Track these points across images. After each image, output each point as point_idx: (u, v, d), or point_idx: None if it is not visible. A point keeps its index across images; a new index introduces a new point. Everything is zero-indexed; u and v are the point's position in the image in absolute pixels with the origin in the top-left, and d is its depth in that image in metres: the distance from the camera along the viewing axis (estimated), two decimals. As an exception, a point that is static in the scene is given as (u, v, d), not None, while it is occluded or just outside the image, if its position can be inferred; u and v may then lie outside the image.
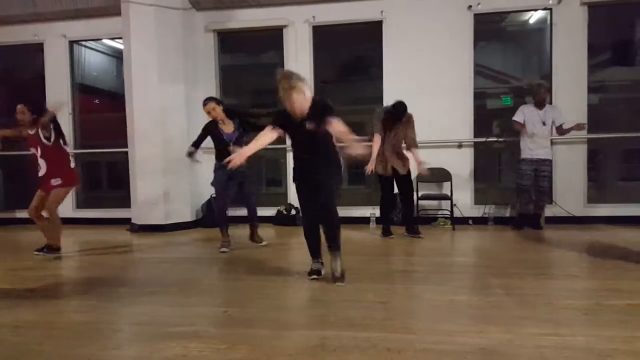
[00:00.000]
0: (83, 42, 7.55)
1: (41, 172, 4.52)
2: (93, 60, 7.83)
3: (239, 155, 3.21)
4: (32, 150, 4.56)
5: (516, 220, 5.79)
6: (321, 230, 3.46)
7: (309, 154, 3.36)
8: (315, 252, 3.55)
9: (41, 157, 4.50)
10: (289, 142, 6.60)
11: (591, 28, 6.09)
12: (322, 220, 3.40)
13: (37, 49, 7.44)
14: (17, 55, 7.73)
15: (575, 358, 1.96)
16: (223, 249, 4.65)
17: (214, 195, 6.77)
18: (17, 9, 7.13)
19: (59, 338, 2.36)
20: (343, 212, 6.50)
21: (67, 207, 7.35)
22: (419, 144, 6.30)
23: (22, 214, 7.44)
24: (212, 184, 4.82)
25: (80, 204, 7.50)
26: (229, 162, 3.17)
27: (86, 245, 5.40)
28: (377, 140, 5.21)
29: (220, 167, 4.62)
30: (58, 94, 7.35)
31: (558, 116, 5.65)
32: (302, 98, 3.18)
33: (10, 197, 7.75)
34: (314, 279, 3.39)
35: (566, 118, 5.65)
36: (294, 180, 3.49)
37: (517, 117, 5.62)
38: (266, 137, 3.31)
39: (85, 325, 2.54)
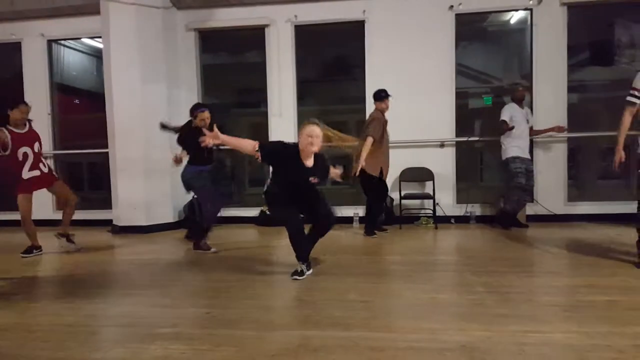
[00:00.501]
0: (62, 41, 7.41)
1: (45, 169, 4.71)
2: (72, 59, 7.70)
3: (214, 135, 3.27)
4: (24, 150, 4.55)
5: (505, 219, 5.76)
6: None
7: (299, 192, 3.52)
8: (308, 255, 3.61)
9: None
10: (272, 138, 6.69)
11: (571, 28, 6.20)
12: (325, 228, 3.65)
13: (15, 48, 7.29)
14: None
15: (555, 354, 1.99)
16: (214, 249, 4.64)
17: (196, 196, 6.72)
18: (-8, 6, 6.98)
19: (39, 341, 2.33)
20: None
21: (47, 209, 7.23)
22: (402, 144, 6.39)
23: (5, 216, 7.36)
24: (198, 189, 4.70)
25: (59, 205, 7.35)
26: (202, 141, 3.30)
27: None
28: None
29: (200, 171, 4.59)
30: (36, 94, 7.21)
31: (530, 117, 5.85)
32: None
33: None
34: (296, 279, 3.39)
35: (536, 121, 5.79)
36: (275, 202, 3.59)
37: (505, 116, 5.65)
38: (247, 148, 3.39)
39: (65, 328, 2.50)
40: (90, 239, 5.81)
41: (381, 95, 5.40)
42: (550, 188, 6.28)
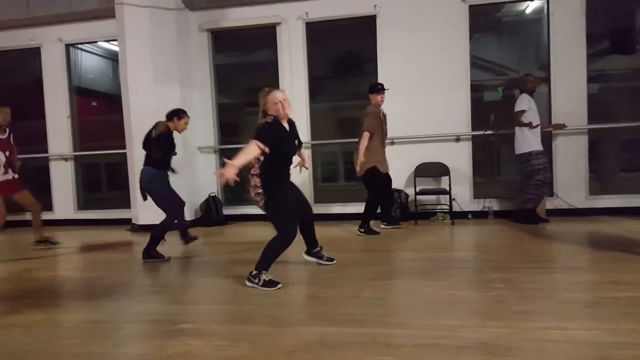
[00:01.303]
0: (79, 45, 7.53)
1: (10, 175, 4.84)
2: (89, 62, 7.82)
3: (231, 167, 2.87)
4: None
5: (526, 215, 5.62)
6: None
7: (290, 165, 3.47)
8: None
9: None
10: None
11: (589, 16, 6.04)
12: (311, 219, 3.71)
13: (34, 53, 7.45)
14: (15, 59, 7.73)
15: (578, 351, 1.94)
16: (167, 257, 4.43)
17: (212, 194, 6.79)
18: (12, 13, 7.14)
19: (64, 337, 2.40)
20: (337, 209, 6.60)
21: (69, 209, 7.39)
22: (416, 138, 6.34)
23: (21, 217, 7.53)
24: (161, 193, 4.47)
25: (81, 205, 7.51)
26: (221, 174, 2.87)
27: (88, 246, 5.41)
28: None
29: (163, 175, 4.52)
30: (56, 98, 7.37)
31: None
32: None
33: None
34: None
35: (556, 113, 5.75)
36: (278, 187, 3.35)
37: (524, 106, 5.51)
38: (254, 153, 3.12)
39: (89, 324, 2.57)
40: (110, 237, 5.90)
41: (377, 88, 5.33)
42: (570, 181, 6.15)
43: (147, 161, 4.42)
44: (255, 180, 3.41)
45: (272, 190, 3.32)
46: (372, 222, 5.47)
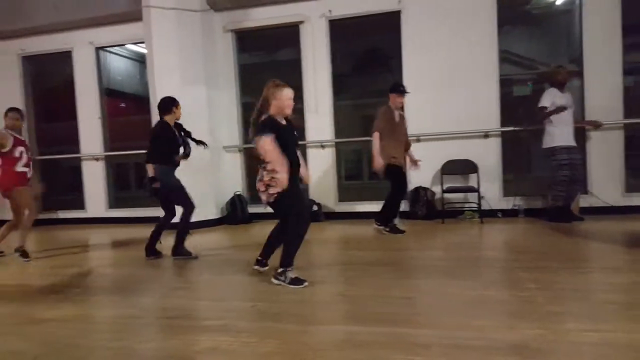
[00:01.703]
0: (108, 48, 7.70)
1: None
2: (117, 65, 8.00)
3: (282, 180, 3.01)
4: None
5: (558, 214, 5.45)
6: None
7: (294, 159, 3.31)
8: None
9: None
10: (311, 137, 6.72)
11: (625, 6, 5.79)
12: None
13: (66, 56, 7.66)
14: (48, 63, 7.98)
15: (616, 354, 1.87)
16: (195, 254, 4.41)
17: (237, 193, 6.85)
18: (46, 19, 7.37)
19: (97, 332, 2.48)
20: (361, 207, 6.54)
21: (100, 207, 7.58)
22: (443, 135, 6.24)
23: (54, 215, 7.77)
24: (179, 190, 4.39)
25: (112, 204, 7.69)
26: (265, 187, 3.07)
27: (118, 244, 5.54)
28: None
29: (172, 171, 4.43)
30: (87, 99, 7.56)
31: (572, 102, 5.49)
32: None
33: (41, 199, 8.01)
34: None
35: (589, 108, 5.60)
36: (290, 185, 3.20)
37: (546, 102, 5.38)
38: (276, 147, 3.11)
39: (120, 320, 2.64)
40: (139, 235, 6.01)
41: (398, 89, 5.20)
42: (605, 178, 5.93)
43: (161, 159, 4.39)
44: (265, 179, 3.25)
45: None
46: (396, 220, 5.41)
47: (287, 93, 3.29)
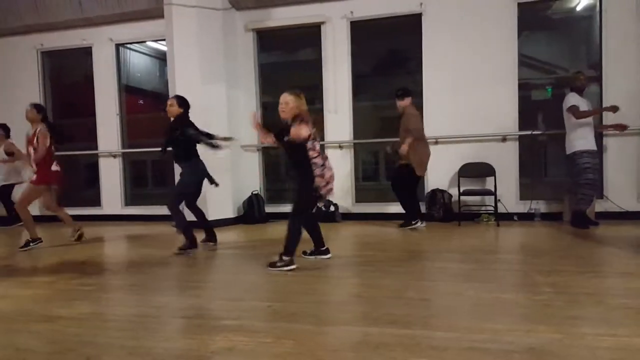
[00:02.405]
0: (128, 45, 7.80)
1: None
2: (137, 61, 8.09)
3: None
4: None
5: (579, 219, 5.39)
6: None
7: None
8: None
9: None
10: (329, 137, 6.76)
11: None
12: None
13: (86, 52, 7.77)
14: (68, 58, 8.10)
15: (632, 359, 1.87)
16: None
17: (255, 192, 6.91)
18: (66, 14, 7.47)
19: (113, 330, 2.47)
20: (378, 208, 6.56)
21: (116, 204, 7.68)
22: (461, 138, 6.24)
23: (70, 211, 7.85)
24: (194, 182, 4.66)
25: (128, 201, 7.78)
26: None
27: (134, 241, 5.62)
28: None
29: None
30: (106, 96, 7.66)
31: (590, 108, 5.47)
32: None
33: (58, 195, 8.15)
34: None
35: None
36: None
37: (574, 102, 5.31)
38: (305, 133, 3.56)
39: (136, 318, 2.65)
40: (155, 233, 6.09)
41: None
42: (621, 183, 5.89)
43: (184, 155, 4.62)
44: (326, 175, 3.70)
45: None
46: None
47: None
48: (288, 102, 3.66)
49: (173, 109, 4.61)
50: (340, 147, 6.71)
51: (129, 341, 2.27)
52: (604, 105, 5.74)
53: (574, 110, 5.29)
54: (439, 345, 2.07)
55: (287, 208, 6.96)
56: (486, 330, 2.23)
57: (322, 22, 6.75)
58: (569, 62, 6.30)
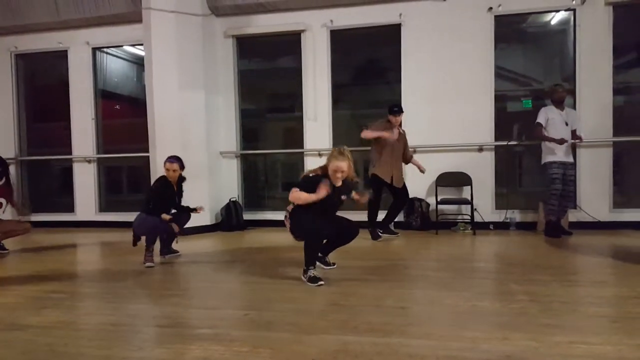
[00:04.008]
0: (105, 49, 7.68)
1: None
2: (114, 66, 7.96)
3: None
4: None
5: (551, 228, 5.52)
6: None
7: (326, 211, 3.68)
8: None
9: None
10: (309, 145, 6.76)
11: (616, 28, 5.96)
12: (351, 236, 3.81)
13: (62, 56, 7.61)
14: (43, 62, 7.93)
15: (605, 367, 1.90)
16: (149, 264, 4.35)
17: (232, 199, 6.84)
18: (42, 17, 7.31)
19: (85, 339, 2.40)
20: (356, 217, 6.55)
21: (90, 210, 7.51)
22: (439, 148, 6.32)
23: (42, 217, 7.67)
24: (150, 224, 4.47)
25: (102, 207, 7.62)
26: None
27: (108, 248, 5.49)
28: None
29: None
30: (81, 100, 7.51)
31: (575, 120, 5.63)
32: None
33: (30, 201, 7.95)
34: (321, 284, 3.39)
35: (582, 125, 5.70)
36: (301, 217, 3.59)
37: (540, 119, 5.52)
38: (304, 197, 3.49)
39: (109, 327, 2.58)
40: (130, 240, 5.95)
41: (393, 110, 5.51)
42: (594, 194, 6.04)
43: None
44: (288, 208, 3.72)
45: (293, 219, 3.65)
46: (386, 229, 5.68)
47: (335, 166, 3.55)
48: (345, 171, 3.57)
49: (176, 174, 4.55)
50: (320, 154, 6.71)
51: (102, 351, 2.21)
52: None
53: (536, 129, 5.55)
54: (417, 354, 2.06)
55: (265, 215, 6.98)
56: (463, 338, 2.24)
57: (302, 30, 6.77)
58: (543, 75, 6.46)
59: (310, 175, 3.61)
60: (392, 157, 5.51)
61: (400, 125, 5.60)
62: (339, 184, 3.60)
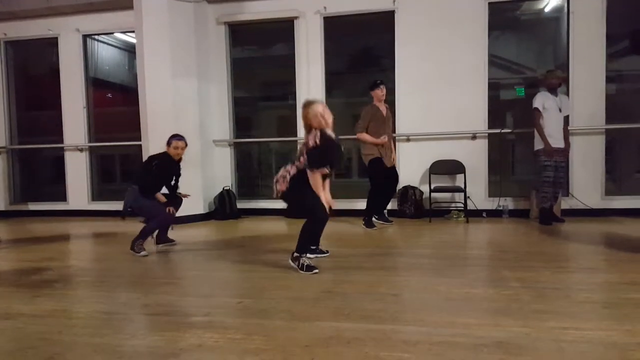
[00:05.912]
0: (96, 36, 7.58)
1: None
2: (105, 54, 7.87)
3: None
4: None
5: (544, 215, 5.55)
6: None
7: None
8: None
9: None
10: (302, 133, 6.72)
11: (609, 16, 5.95)
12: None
13: (52, 43, 7.51)
14: (33, 49, 7.83)
15: (596, 352, 1.92)
16: (143, 252, 4.32)
17: (226, 188, 6.83)
18: (31, 3, 7.21)
19: (78, 327, 2.40)
20: (350, 204, 6.58)
21: (83, 199, 7.46)
22: (432, 135, 6.31)
23: (34, 206, 7.63)
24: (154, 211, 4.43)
25: (94, 196, 7.58)
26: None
27: (101, 237, 5.47)
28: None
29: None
30: (72, 88, 7.42)
31: (567, 106, 5.65)
32: None
33: (22, 190, 7.89)
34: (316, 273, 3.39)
35: (574, 113, 5.76)
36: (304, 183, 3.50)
37: (537, 104, 5.49)
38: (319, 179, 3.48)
39: (102, 315, 2.57)
40: (124, 229, 5.95)
41: (375, 84, 5.48)
42: (586, 181, 6.08)
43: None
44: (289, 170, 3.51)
45: (294, 185, 3.46)
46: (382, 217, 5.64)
47: (316, 109, 3.51)
48: (325, 110, 3.57)
49: (182, 153, 4.57)
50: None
51: (94, 338, 2.21)
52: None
53: (534, 113, 5.51)
54: (410, 340, 2.08)
55: (259, 204, 6.97)
56: (457, 324, 2.26)
57: (295, 17, 6.71)
58: (537, 63, 6.46)
59: (317, 142, 3.40)
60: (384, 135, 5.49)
61: (386, 100, 5.57)
62: (331, 126, 3.56)
